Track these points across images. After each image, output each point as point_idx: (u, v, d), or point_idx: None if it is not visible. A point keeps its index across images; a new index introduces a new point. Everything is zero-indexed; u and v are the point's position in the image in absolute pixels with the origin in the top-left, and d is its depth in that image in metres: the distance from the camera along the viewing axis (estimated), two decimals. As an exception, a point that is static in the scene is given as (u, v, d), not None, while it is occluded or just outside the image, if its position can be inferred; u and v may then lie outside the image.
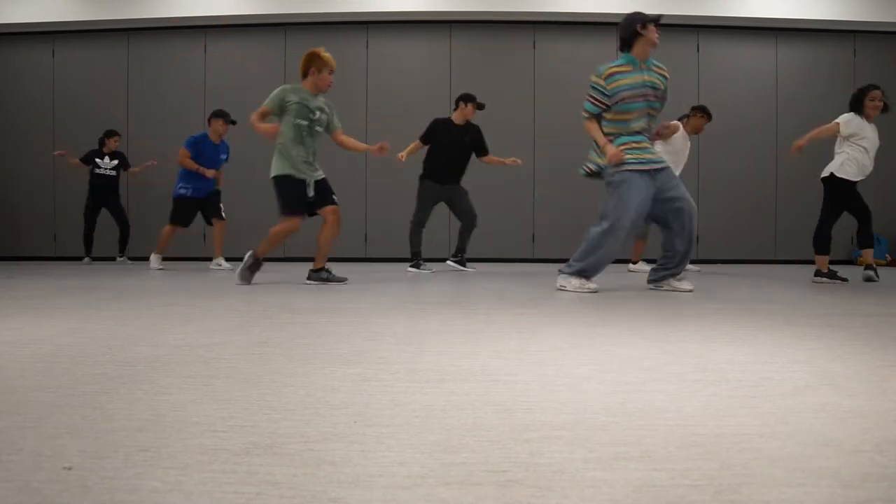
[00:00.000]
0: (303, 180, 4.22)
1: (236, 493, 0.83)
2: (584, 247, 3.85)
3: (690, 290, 3.94)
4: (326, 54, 4.35)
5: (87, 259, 7.33)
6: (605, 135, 3.93)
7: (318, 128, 4.30)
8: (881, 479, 0.88)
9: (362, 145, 4.64)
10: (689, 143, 6.10)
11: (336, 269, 6.33)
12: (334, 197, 4.35)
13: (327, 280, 4.42)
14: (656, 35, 3.81)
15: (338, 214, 4.35)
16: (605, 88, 3.84)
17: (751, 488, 0.85)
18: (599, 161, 3.98)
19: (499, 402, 1.28)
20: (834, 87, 8.00)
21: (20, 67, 8.23)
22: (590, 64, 7.87)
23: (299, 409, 1.23)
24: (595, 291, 3.76)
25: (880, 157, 7.90)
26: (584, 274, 3.85)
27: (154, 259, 6.34)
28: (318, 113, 4.28)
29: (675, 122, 5.95)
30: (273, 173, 4.26)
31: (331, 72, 4.32)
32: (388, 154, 4.66)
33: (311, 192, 4.25)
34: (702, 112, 6.08)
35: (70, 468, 0.91)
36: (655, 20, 3.83)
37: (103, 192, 7.19)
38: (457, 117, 6.15)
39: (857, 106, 4.93)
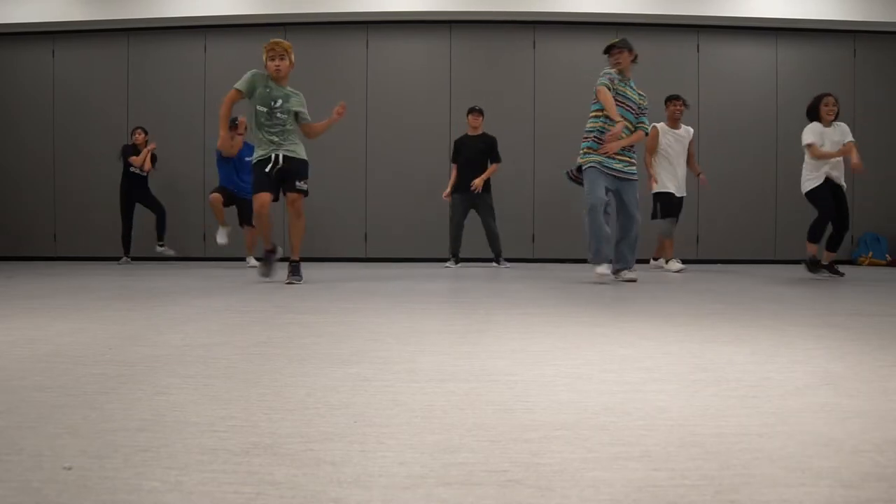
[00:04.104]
0: (267, 158, 4.22)
1: (236, 493, 0.83)
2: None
3: (634, 280, 4.52)
4: (271, 42, 4.28)
5: (124, 259, 7.28)
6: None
7: (280, 114, 4.25)
8: (881, 479, 0.88)
9: (323, 122, 4.50)
10: (675, 135, 6.32)
11: (336, 268, 6.34)
12: (298, 184, 4.26)
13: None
14: (610, 60, 4.63)
15: (298, 204, 4.26)
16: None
17: (751, 488, 0.85)
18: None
19: (499, 402, 1.28)
20: (834, 87, 7.99)
21: (20, 67, 8.24)
22: (589, 64, 7.91)
23: (299, 409, 1.23)
24: (605, 274, 4.39)
25: (880, 157, 7.87)
26: (596, 259, 4.44)
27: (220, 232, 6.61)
28: (279, 101, 4.24)
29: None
30: (252, 161, 4.35)
31: (271, 58, 4.24)
32: (345, 111, 4.47)
33: (278, 163, 4.20)
34: (674, 99, 6.33)
35: (70, 468, 0.91)
36: (607, 50, 4.65)
37: (136, 190, 7.20)
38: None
39: (813, 114, 5.32)
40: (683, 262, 7.01)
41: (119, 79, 8.11)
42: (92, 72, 8.14)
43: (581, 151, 4.66)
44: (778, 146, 7.91)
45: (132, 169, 7.13)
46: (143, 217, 7.33)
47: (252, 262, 6.60)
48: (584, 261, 7.52)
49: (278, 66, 4.22)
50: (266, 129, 4.24)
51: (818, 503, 0.81)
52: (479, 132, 6.62)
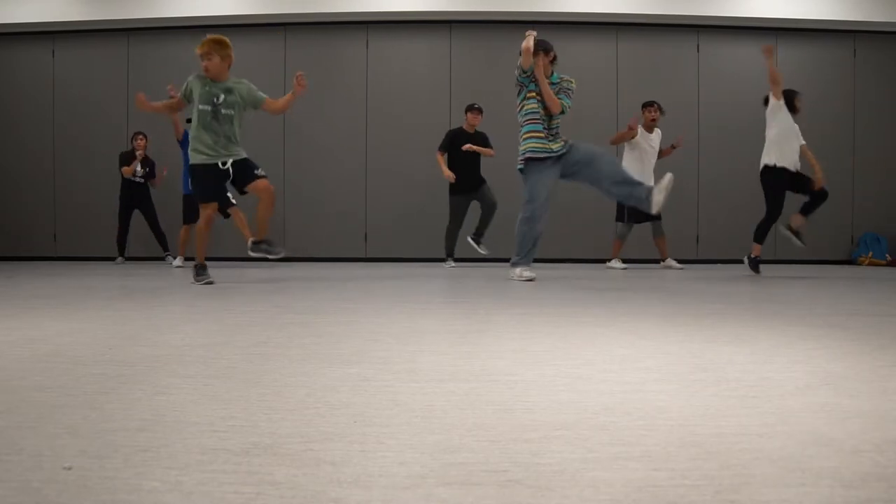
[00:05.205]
0: (214, 164, 4.19)
1: (236, 493, 0.83)
2: (517, 239, 4.62)
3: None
4: (203, 41, 4.28)
5: (119, 259, 7.32)
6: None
7: (224, 111, 4.22)
8: (881, 479, 0.88)
9: (285, 98, 4.46)
10: (649, 139, 6.50)
11: (336, 268, 6.35)
12: (258, 171, 4.25)
13: (268, 252, 4.40)
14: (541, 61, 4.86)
15: (271, 188, 4.26)
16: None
17: (751, 488, 0.85)
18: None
19: (499, 402, 1.28)
20: (834, 87, 8.01)
21: (20, 67, 8.24)
22: (590, 63, 7.91)
23: (299, 409, 1.23)
24: (531, 280, 4.53)
25: (880, 157, 7.88)
26: (523, 262, 4.62)
27: (177, 259, 6.71)
28: (222, 96, 4.21)
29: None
30: (190, 161, 4.28)
31: (201, 57, 4.25)
32: (305, 83, 4.40)
33: (229, 172, 4.22)
34: (649, 106, 6.50)
35: (70, 468, 0.91)
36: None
37: (137, 197, 7.18)
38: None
39: (788, 102, 5.47)
40: (682, 262, 7.02)
41: (119, 79, 8.10)
42: (92, 72, 8.14)
43: (522, 136, 4.76)
44: (778, 146, 7.89)
45: (131, 177, 7.14)
46: (139, 220, 7.33)
47: (177, 262, 6.62)
48: (583, 261, 7.53)
49: (206, 66, 4.22)
50: (212, 131, 4.19)
51: (818, 503, 0.81)
52: (474, 130, 6.60)
